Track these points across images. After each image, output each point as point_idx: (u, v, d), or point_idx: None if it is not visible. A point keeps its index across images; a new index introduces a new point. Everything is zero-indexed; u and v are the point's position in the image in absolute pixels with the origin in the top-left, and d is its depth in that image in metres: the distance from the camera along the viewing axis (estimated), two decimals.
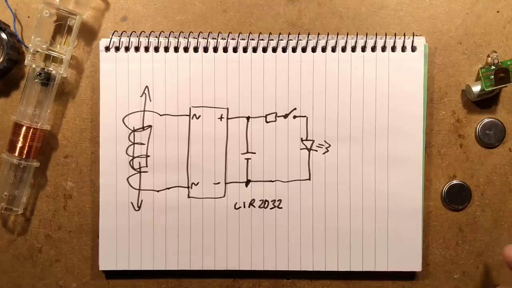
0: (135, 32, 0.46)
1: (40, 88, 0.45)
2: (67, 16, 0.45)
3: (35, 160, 0.46)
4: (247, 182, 0.46)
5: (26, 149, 0.45)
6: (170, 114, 0.46)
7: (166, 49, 0.46)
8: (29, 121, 0.45)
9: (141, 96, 0.46)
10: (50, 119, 0.47)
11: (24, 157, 0.45)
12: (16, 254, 0.48)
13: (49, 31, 0.46)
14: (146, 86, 0.46)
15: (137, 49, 0.46)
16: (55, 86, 0.45)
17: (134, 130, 0.46)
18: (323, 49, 0.46)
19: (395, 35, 0.46)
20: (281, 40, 0.46)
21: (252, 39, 0.46)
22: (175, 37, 0.46)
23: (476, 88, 0.45)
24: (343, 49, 0.46)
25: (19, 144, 0.45)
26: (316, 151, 0.46)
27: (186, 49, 0.46)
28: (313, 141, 0.46)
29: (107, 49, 0.46)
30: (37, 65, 0.45)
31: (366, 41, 0.46)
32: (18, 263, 0.48)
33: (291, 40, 0.46)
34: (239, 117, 0.46)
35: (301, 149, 0.46)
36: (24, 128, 0.45)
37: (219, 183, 0.46)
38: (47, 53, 0.45)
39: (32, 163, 0.46)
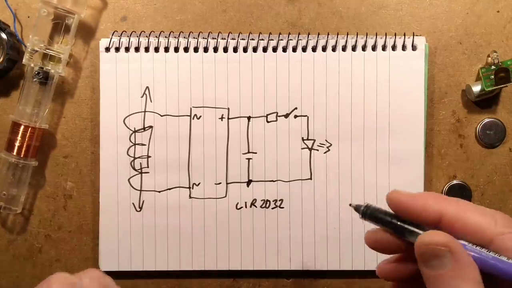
0: (135, 32, 0.45)
1: (38, 87, 0.44)
2: (65, 15, 0.44)
3: (34, 159, 0.45)
4: (249, 182, 0.45)
5: (24, 148, 0.44)
6: (171, 114, 0.45)
7: (166, 49, 0.45)
8: (27, 120, 0.44)
9: (141, 97, 0.45)
10: (48, 118, 0.46)
11: (22, 156, 0.44)
12: (16, 254, 0.46)
13: (47, 30, 0.45)
14: (147, 87, 0.45)
15: (137, 49, 0.45)
16: (53, 85, 0.44)
17: (135, 131, 0.45)
18: (324, 49, 0.45)
19: (395, 35, 0.45)
20: (281, 40, 0.45)
21: (252, 39, 0.45)
22: (175, 37, 0.45)
23: (476, 88, 0.44)
24: (344, 49, 0.45)
25: (17, 143, 0.44)
26: (317, 150, 0.45)
27: (186, 49, 0.45)
28: (314, 140, 0.45)
29: (107, 49, 0.45)
30: (35, 64, 0.44)
31: (366, 41, 0.45)
32: (18, 263, 0.46)
33: (291, 40, 0.45)
34: (240, 117, 0.45)
35: (302, 148, 0.45)
36: (22, 127, 0.44)
37: (220, 183, 0.45)
38: (45, 52, 0.44)
39: (31, 162, 0.45)
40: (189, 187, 0.45)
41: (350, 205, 0.33)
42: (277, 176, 0.45)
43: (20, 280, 0.47)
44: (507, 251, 0.25)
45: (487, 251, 0.26)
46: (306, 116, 0.45)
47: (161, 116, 0.45)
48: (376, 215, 0.31)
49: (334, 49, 0.45)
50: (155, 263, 0.45)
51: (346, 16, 0.46)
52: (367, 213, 0.32)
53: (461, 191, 0.45)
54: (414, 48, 0.45)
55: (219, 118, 0.45)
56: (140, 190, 0.45)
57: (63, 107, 0.46)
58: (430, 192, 0.29)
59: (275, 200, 0.45)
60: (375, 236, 0.31)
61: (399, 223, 0.30)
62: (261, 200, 0.45)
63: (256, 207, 0.45)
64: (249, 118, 0.45)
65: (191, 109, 0.45)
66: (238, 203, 0.45)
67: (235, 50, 0.45)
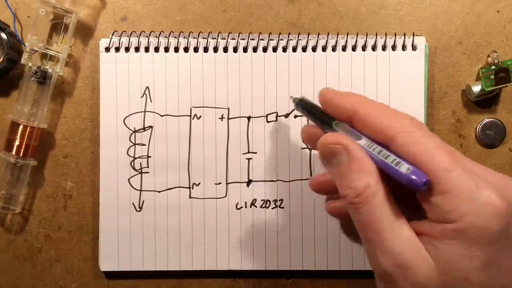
0: (135, 32, 0.45)
1: (36, 87, 0.44)
2: (63, 15, 0.44)
3: (33, 159, 0.44)
4: (249, 182, 0.45)
5: (23, 147, 0.44)
6: (171, 114, 0.45)
7: (166, 49, 0.45)
8: (25, 120, 0.44)
9: (141, 97, 0.45)
10: (48, 118, 0.45)
11: (21, 155, 0.44)
12: (16, 254, 0.46)
13: (45, 30, 0.44)
14: (147, 87, 0.45)
15: (137, 49, 0.44)
16: (51, 84, 0.44)
17: (135, 131, 0.45)
18: (324, 49, 0.44)
19: (395, 35, 0.44)
20: (281, 40, 0.45)
21: (252, 39, 0.45)
22: (175, 37, 0.45)
23: (476, 88, 0.44)
24: (344, 49, 0.44)
25: (16, 143, 0.44)
26: None
27: (186, 49, 0.44)
28: None
29: (107, 49, 0.44)
30: (34, 64, 0.43)
31: (366, 41, 0.44)
32: (18, 263, 0.46)
33: (291, 40, 0.45)
34: (240, 117, 0.45)
35: (302, 148, 0.44)
36: (21, 127, 0.43)
37: (220, 183, 0.45)
38: (44, 51, 0.44)
39: (29, 162, 0.44)
40: (189, 187, 0.45)
41: (291, 97, 0.37)
42: (277, 176, 0.45)
43: (20, 280, 0.46)
44: (402, 146, 0.27)
45: (378, 151, 0.28)
46: None
47: (161, 116, 0.45)
48: (305, 106, 0.34)
49: (334, 49, 0.44)
50: (155, 263, 0.45)
51: (346, 16, 0.46)
52: (300, 104, 0.35)
53: None
54: (414, 48, 0.44)
55: (219, 118, 0.45)
56: (140, 190, 0.45)
57: (63, 107, 0.46)
58: (356, 93, 0.31)
59: (275, 200, 0.45)
60: (308, 131, 0.34)
61: (318, 115, 0.32)
62: (261, 200, 0.45)
63: (256, 207, 0.45)
64: (249, 118, 0.45)
65: (191, 109, 0.45)
66: (238, 203, 0.45)
67: (235, 50, 0.45)
